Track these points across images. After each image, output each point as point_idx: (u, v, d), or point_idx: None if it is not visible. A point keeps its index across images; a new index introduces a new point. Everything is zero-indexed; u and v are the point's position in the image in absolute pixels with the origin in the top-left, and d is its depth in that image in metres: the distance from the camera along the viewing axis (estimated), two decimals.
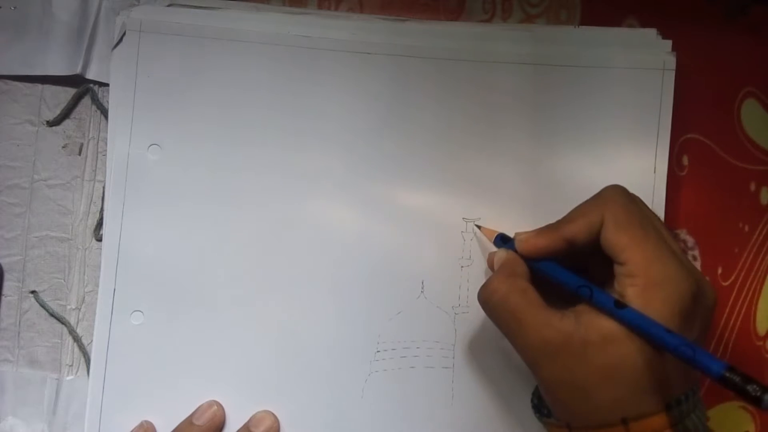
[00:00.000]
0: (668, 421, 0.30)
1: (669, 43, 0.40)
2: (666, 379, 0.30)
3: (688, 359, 0.29)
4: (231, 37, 0.40)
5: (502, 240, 0.37)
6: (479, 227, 0.39)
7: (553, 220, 0.39)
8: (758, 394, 0.27)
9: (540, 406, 0.35)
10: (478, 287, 0.37)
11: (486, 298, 0.33)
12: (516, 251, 0.35)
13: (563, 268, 0.33)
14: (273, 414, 0.38)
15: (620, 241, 0.31)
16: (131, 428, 0.38)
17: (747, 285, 0.42)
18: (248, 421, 0.38)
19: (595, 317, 0.31)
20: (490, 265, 0.38)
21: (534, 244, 0.34)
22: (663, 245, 0.31)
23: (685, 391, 0.31)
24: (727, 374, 0.28)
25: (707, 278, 0.33)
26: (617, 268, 0.32)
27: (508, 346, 0.39)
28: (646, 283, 0.30)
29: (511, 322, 0.32)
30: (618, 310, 0.30)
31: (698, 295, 0.31)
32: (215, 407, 0.38)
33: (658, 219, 0.34)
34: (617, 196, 0.33)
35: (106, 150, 0.40)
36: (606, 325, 0.30)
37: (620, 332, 0.30)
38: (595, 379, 0.30)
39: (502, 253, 0.35)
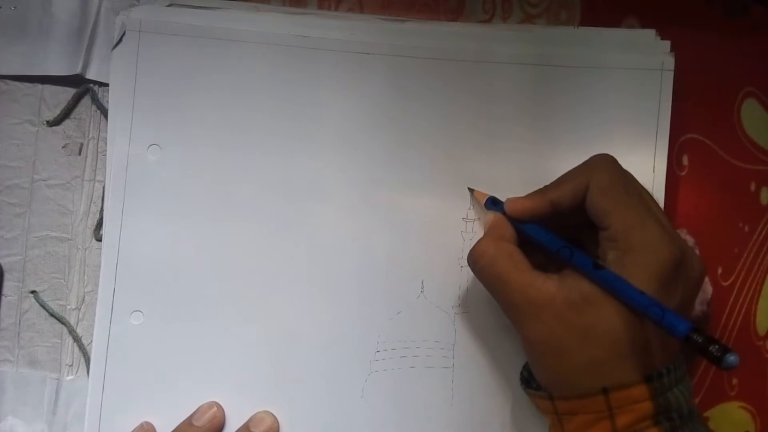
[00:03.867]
0: (649, 392, 0.30)
1: (668, 43, 0.40)
2: (646, 347, 0.31)
3: (656, 319, 0.30)
4: (231, 38, 0.40)
5: (493, 203, 0.37)
6: (472, 190, 0.39)
7: None
8: (719, 354, 0.28)
9: (529, 379, 0.36)
10: (479, 287, 0.37)
11: (475, 259, 0.35)
12: (505, 214, 0.36)
13: (547, 231, 0.35)
14: (272, 414, 0.38)
15: (603, 205, 0.32)
16: (131, 428, 0.38)
17: (747, 285, 0.42)
18: (248, 421, 0.38)
19: (578, 279, 0.32)
20: (484, 226, 0.39)
21: (521, 205, 0.35)
22: (646, 212, 0.32)
23: (667, 365, 0.31)
24: (692, 335, 0.29)
25: (696, 252, 0.34)
26: (601, 233, 0.33)
27: (508, 345, 0.39)
28: (625, 247, 0.31)
29: (497, 283, 0.34)
30: (595, 271, 0.31)
31: (680, 264, 0.31)
32: (215, 408, 0.38)
33: (647, 191, 0.35)
34: (604, 162, 0.34)
35: (106, 150, 0.40)
36: (586, 286, 0.31)
37: (599, 294, 0.31)
38: (574, 338, 0.31)
39: (491, 216, 0.37)
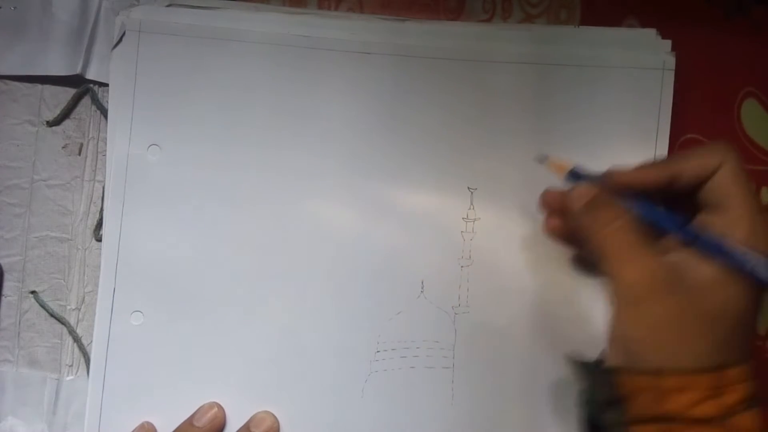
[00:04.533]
0: (746, 374, 0.31)
1: (668, 42, 0.40)
2: (753, 331, 0.32)
3: None
4: (231, 37, 0.40)
5: (576, 177, 0.35)
6: (545, 158, 0.36)
7: None
8: None
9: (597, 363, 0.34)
10: (478, 287, 0.37)
11: (596, 229, 0.33)
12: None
13: (660, 209, 0.33)
14: (273, 414, 0.38)
15: (736, 187, 0.32)
16: (131, 428, 0.38)
17: None
18: (248, 422, 0.38)
19: (701, 260, 0.31)
20: (549, 204, 0.36)
21: (636, 177, 0.33)
22: (763, 209, 0.32)
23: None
24: None
25: None
26: (716, 219, 0.32)
27: (508, 345, 0.39)
28: (755, 226, 0.31)
29: (620, 253, 0.32)
30: (728, 252, 0.31)
31: None
32: (216, 409, 0.38)
33: None
34: (734, 151, 0.33)
35: (105, 150, 0.40)
36: (714, 268, 0.31)
37: (728, 276, 0.31)
38: (706, 320, 0.31)
39: (584, 190, 0.34)
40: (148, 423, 0.38)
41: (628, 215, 0.33)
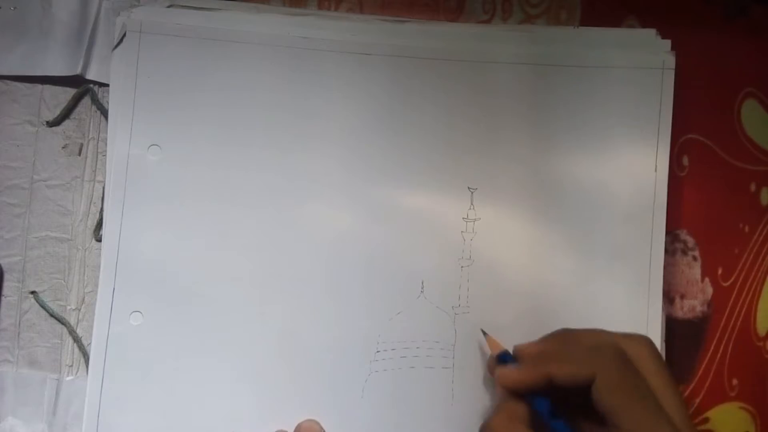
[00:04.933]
0: None
1: (668, 42, 0.40)
2: None
3: None
4: (231, 38, 0.40)
5: (503, 360, 0.36)
6: (485, 334, 0.38)
7: (552, 221, 0.39)
8: None
9: None
10: (478, 287, 0.37)
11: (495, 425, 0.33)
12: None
13: (552, 415, 0.33)
14: (318, 423, 0.38)
15: (612, 403, 0.31)
16: (129, 429, 0.38)
17: (747, 285, 0.42)
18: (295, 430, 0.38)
19: None
20: (490, 370, 0.37)
21: (513, 380, 0.34)
22: (658, 413, 0.31)
23: None
24: None
25: None
26: (608, 423, 0.31)
27: (508, 345, 0.39)
28: None
29: None
30: None
31: None
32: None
33: (663, 376, 0.33)
34: (613, 356, 0.32)
35: (105, 150, 0.40)
36: None
37: None
38: None
39: (504, 373, 0.35)
40: None
41: (525, 423, 0.33)
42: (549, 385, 0.32)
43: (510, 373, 0.34)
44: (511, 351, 0.36)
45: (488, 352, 0.38)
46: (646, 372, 0.33)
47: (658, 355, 0.34)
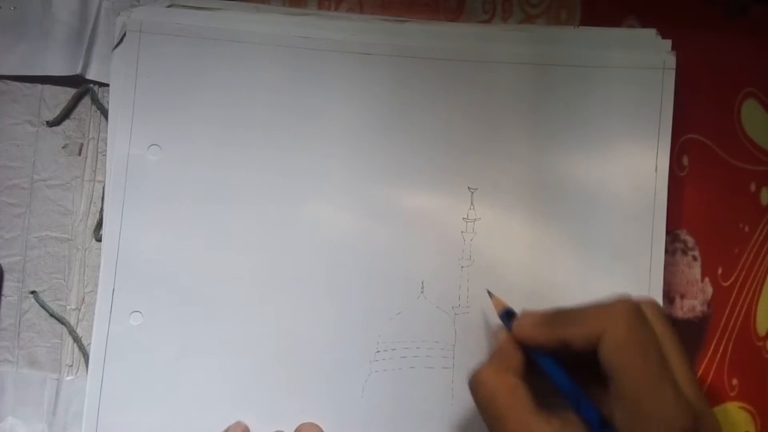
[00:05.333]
0: None
1: (669, 42, 0.40)
2: None
3: None
4: (231, 38, 0.40)
5: (508, 316, 0.36)
6: (491, 294, 0.38)
7: (553, 221, 0.39)
8: None
9: None
10: (479, 287, 0.37)
11: (474, 388, 0.33)
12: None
13: (559, 367, 0.33)
14: (318, 426, 0.38)
15: (616, 362, 0.30)
16: (129, 429, 0.38)
17: (747, 285, 0.42)
18: None
19: (581, 429, 0.31)
20: (495, 335, 0.38)
21: (530, 335, 0.33)
22: (662, 376, 0.30)
23: None
24: None
25: (713, 412, 0.32)
26: (611, 386, 0.30)
27: None
28: (634, 410, 0.29)
29: (494, 420, 0.32)
30: (600, 430, 0.30)
31: None
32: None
33: (671, 340, 0.32)
34: (624, 313, 0.31)
35: (105, 150, 0.40)
36: None
37: None
38: None
39: (501, 335, 0.35)
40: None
41: (518, 376, 0.32)
42: (564, 348, 0.32)
43: (527, 325, 0.33)
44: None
45: (493, 311, 0.37)
46: (656, 332, 0.32)
47: (667, 317, 0.33)
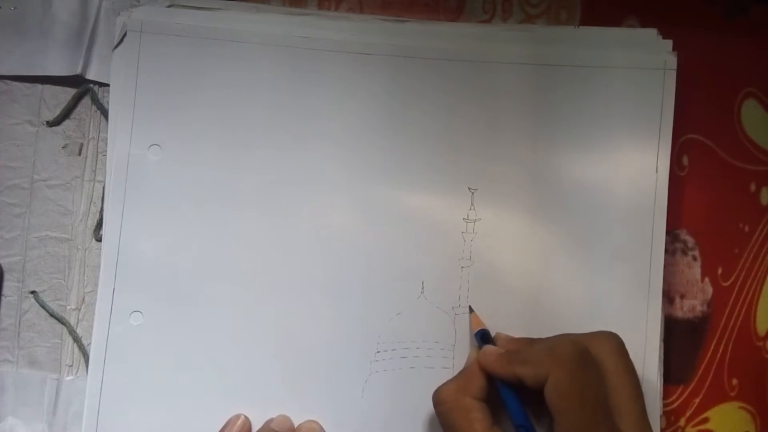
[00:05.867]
0: None
1: (670, 42, 0.40)
2: None
3: None
4: (231, 38, 0.40)
5: (482, 338, 0.37)
6: (471, 310, 0.39)
7: (553, 221, 0.39)
8: None
9: None
10: (479, 288, 0.37)
11: (434, 403, 0.36)
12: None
13: (516, 398, 0.34)
14: (319, 423, 0.38)
15: (556, 405, 0.32)
16: (129, 429, 0.38)
17: (747, 285, 0.42)
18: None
19: None
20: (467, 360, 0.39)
21: (491, 367, 0.35)
22: (598, 419, 0.32)
23: None
24: None
25: None
26: (554, 425, 0.33)
27: None
28: None
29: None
30: None
31: None
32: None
33: (622, 376, 0.34)
34: (567, 357, 0.33)
35: (106, 150, 0.40)
36: None
37: None
38: None
39: (471, 355, 0.38)
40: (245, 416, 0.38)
41: (475, 399, 0.34)
42: (520, 383, 0.34)
43: (491, 355, 0.35)
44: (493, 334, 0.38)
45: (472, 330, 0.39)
46: (606, 370, 0.34)
47: (622, 352, 0.35)
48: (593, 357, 0.33)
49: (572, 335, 0.35)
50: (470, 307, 0.39)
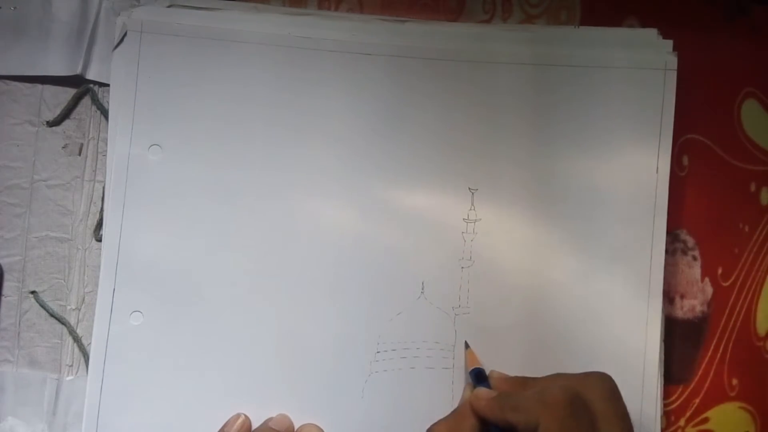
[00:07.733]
0: None
1: (670, 43, 0.40)
2: None
3: None
4: (231, 38, 0.40)
5: (476, 376, 0.37)
6: (468, 347, 0.39)
7: (553, 222, 0.39)
8: None
9: None
10: (479, 288, 0.37)
11: None
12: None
13: None
14: (318, 427, 0.38)
15: None
16: (129, 429, 0.38)
17: (747, 285, 0.42)
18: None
19: None
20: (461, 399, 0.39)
21: (483, 411, 0.35)
22: None
23: None
24: None
25: None
26: None
27: (508, 346, 0.39)
28: None
29: None
30: None
31: None
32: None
33: (612, 419, 0.33)
34: (558, 404, 0.32)
35: (106, 150, 0.40)
36: None
37: None
38: None
39: (466, 394, 0.37)
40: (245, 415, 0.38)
41: (466, 427, 0.34)
42: (511, 429, 0.33)
43: (483, 399, 0.35)
44: (488, 371, 0.38)
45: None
46: (597, 416, 0.33)
47: (614, 396, 0.34)
48: (585, 402, 0.33)
49: (564, 378, 0.35)
50: (466, 342, 0.39)
